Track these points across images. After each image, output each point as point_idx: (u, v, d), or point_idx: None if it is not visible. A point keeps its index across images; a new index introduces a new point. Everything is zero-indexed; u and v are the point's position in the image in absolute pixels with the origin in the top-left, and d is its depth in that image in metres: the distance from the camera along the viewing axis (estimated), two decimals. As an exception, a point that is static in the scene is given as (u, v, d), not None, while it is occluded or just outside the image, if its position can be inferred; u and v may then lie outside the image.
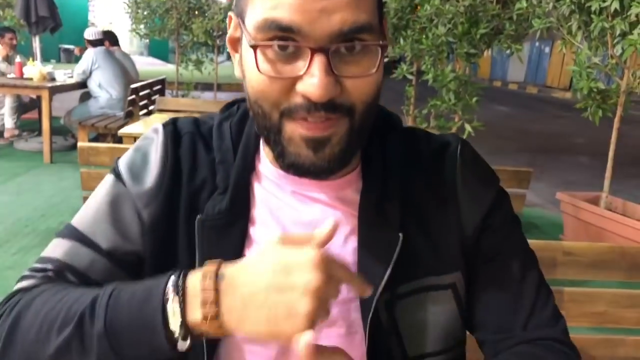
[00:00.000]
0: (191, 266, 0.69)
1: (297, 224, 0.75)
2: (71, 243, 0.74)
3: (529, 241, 1.38)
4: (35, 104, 6.40)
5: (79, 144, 2.29)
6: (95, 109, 5.85)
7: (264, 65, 0.63)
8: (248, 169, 0.77)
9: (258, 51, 0.63)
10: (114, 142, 5.49)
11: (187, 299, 0.58)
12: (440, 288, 0.76)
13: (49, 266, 0.73)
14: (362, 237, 0.74)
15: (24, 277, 0.74)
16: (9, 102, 6.15)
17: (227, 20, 0.73)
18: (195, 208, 0.75)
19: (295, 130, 0.66)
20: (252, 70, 0.65)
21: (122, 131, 3.07)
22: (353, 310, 0.74)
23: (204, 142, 0.79)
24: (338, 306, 0.73)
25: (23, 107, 6.46)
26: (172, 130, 0.80)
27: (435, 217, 0.77)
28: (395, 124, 0.83)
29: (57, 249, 0.75)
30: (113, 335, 0.59)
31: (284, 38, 0.62)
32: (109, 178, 0.80)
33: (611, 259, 1.41)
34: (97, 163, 2.32)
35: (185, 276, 0.60)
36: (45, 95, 5.37)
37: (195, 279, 0.59)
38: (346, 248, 0.75)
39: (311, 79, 0.61)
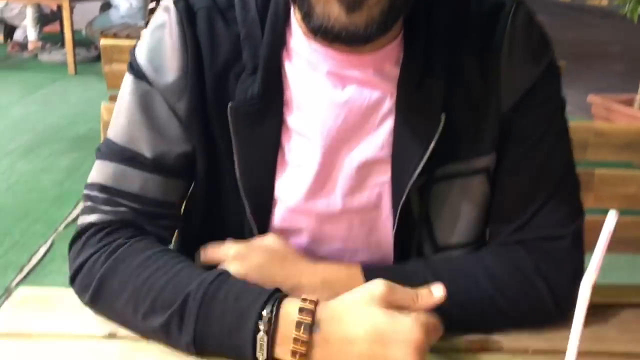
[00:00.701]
0: (229, 156, 0.69)
1: (333, 106, 0.69)
2: (117, 167, 0.71)
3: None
4: (57, 15, 6.34)
5: (102, 42, 2.27)
6: (116, 18, 5.77)
7: None
8: (278, 45, 0.69)
9: None
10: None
11: (277, 340, 0.57)
12: (476, 172, 0.72)
13: (104, 195, 0.71)
14: (400, 117, 0.69)
15: (86, 209, 0.72)
16: (30, 13, 6.09)
17: None
18: (224, 92, 0.70)
19: None
20: None
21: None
22: (385, 194, 0.72)
23: (223, 15, 0.71)
24: (368, 189, 0.71)
25: (44, 18, 6.40)
26: (185, 7, 0.71)
27: (480, 90, 0.70)
28: None
29: (105, 173, 0.72)
30: (201, 348, 0.60)
31: None
32: (130, 78, 0.73)
33: (644, 140, 1.38)
34: (120, 61, 2.30)
35: (278, 309, 0.57)
36: (65, 4, 5.30)
37: (290, 322, 0.56)
38: (383, 128, 0.70)
39: None
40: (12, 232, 2.51)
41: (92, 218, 0.71)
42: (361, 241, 0.74)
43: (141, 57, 0.72)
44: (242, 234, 0.72)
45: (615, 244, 1.52)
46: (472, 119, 0.70)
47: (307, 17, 0.61)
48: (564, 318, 0.61)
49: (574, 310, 0.48)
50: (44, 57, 6.04)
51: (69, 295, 0.70)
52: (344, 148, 0.71)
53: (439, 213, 0.72)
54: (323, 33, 0.61)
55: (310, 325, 0.55)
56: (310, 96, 0.70)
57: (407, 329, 0.54)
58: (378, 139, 0.70)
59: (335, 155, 0.71)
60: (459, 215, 0.73)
